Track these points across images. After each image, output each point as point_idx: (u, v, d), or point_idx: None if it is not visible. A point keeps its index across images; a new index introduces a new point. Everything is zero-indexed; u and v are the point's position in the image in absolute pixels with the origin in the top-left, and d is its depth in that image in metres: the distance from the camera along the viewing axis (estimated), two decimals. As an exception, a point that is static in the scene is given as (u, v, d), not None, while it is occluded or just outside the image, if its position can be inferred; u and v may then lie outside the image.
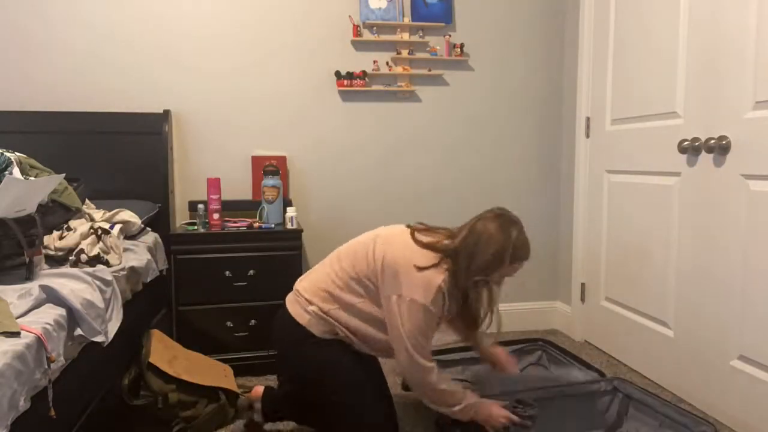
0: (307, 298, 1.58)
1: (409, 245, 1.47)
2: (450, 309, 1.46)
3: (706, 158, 1.97)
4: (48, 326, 1.22)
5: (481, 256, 1.40)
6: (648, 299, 2.30)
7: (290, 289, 2.35)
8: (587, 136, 2.71)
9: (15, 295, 1.31)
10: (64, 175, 1.97)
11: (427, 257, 1.43)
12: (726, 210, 1.89)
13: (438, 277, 1.39)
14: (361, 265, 1.51)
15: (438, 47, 2.79)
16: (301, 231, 2.39)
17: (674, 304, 2.15)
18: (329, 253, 2.48)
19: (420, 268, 1.39)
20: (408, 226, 1.56)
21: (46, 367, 1.16)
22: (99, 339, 1.45)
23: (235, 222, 2.45)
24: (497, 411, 1.54)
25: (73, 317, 1.37)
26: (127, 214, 2.12)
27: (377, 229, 1.61)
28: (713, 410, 1.97)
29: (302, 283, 1.66)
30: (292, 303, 1.62)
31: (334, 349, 1.54)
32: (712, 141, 1.91)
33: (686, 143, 2.02)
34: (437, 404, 1.52)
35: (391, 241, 1.50)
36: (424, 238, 1.48)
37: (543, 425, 1.82)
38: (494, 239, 1.40)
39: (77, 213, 1.93)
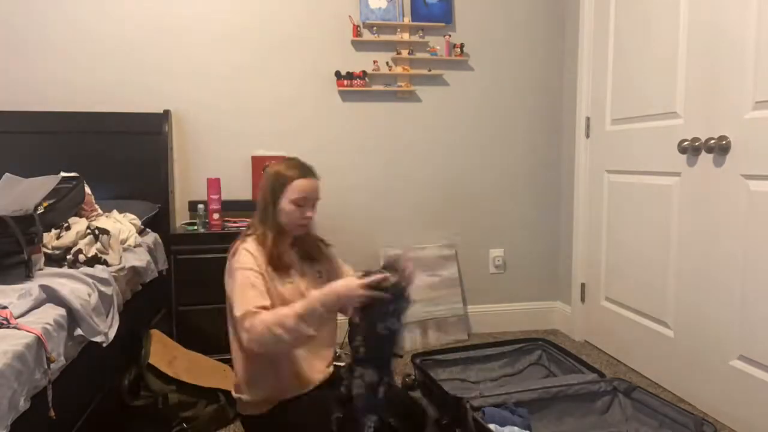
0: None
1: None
2: (281, 250, 1.48)
3: (706, 158, 1.97)
4: (48, 326, 1.22)
5: (263, 190, 1.54)
6: (648, 299, 2.30)
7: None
8: (587, 136, 2.71)
9: (15, 295, 1.31)
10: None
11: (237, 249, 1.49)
12: (726, 210, 1.89)
13: (242, 244, 1.47)
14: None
15: (438, 47, 2.79)
16: (301, 231, 2.39)
17: (674, 304, 2.15)
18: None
19: (234, 255, 1.46)
20: None
21: (46, 367, 1.16)
22: (99, 339, 1.45)
23: (235, 222, 2.45)
24: (351, 283, 1.30)
25: (73, 317, 1.37)
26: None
27: None
28: (713, 410, 1.97)
29: None
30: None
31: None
32: (712, 141, 1.91)
33: (686, 143, 2.02)
34: (293, 331, 1.28)
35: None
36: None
37: (543, 425, 1.82)
38: (267, 172, 1.56)
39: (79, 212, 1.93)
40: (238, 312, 1.34)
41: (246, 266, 1.41)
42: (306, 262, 1.58)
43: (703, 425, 1.65)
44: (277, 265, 1.47)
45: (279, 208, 1.49)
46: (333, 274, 1.63)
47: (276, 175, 1.50)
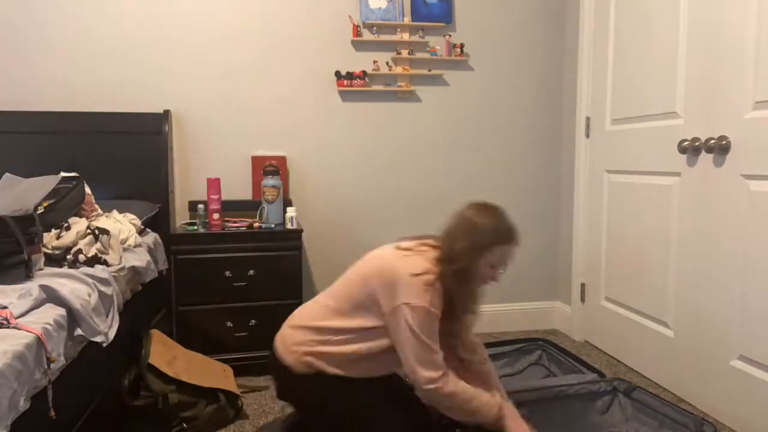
0: (295, 341, 1.53)
1: (400, 256, 1.48)
2: (456, 302, 1.45)
3: (706, 158, 1.97)
4: (48, 326, 1.22)
5: (462, 241, 1.42)
6: (648, 299, 2.30)
7: (290, 288, 2.37)
8: (587, 136, 2.71)
9: (15, 295, 1.31)
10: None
11: (418, 262, 1.44)
12: (726, 210, 1.89)
13: (432, 277, 1.40)
14: (357, 288, 1.48)
15: (438, 47, 2.79)
16: (301, 231, 2.39)
17: (674, 304, 2.15)
18: (328, 251, 2.49)
19: (414, 274, 1.39)
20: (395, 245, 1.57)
21: (46, 367, 1.16)
22: (99, 339, 1.45)
23: (235, 222, 2.45)
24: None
25: (73, 317, 1.37)
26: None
27: (365, 255, 1.59)
28: (713, 410, 1.97)
29: (292, 320, 1.60)
30: (278, 343, 1.57)
31: (327, 382, 1.49)
32: (712, 141, 1.91)
33: (686, 143, 2.02)
34: (466, 416, 1.47)
35: (383, 257, 1.51)
36: (413, 247, 1.50)
37: (543, 426, 1.82)
38: (472, 223, 1.44)
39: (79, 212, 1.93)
40: (425, 371, 1.38)
41: (435, 309, 1.38)
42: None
43: (703, 425, 1.65)
44: (446, 313, 1.43)
45: (475, 263, 1.42)
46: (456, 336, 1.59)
47: (492, 234, 1.41)
